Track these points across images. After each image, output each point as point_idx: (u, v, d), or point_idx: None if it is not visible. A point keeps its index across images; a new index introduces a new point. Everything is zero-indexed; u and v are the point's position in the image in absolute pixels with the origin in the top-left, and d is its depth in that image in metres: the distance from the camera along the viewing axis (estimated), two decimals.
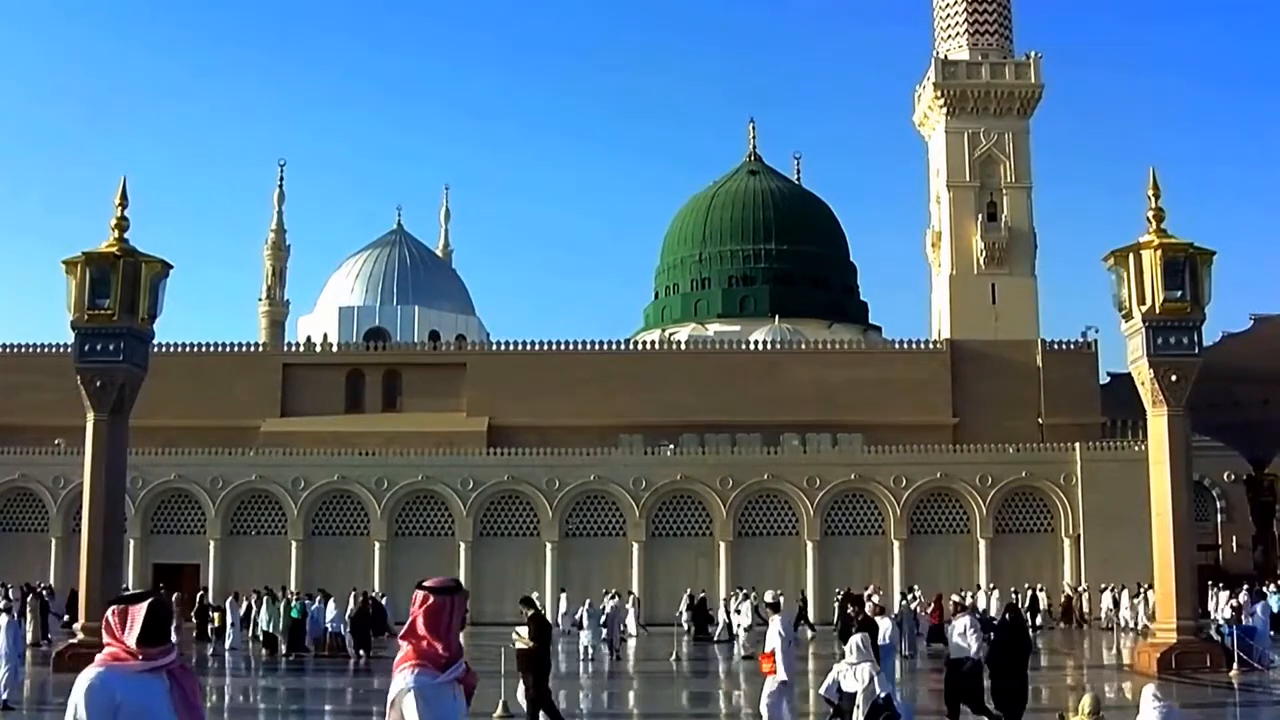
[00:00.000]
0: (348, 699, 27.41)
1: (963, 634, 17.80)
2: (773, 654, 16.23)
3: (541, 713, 17.23)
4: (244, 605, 38.62)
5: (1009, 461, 54.35)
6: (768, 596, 18.42)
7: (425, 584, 5.58)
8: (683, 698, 27.82)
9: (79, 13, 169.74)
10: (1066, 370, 61.83)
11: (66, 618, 39.22)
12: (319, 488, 53.71)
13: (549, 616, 45.07)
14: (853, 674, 15.90)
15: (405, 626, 5.55)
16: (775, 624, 17.07)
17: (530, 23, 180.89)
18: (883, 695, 15.50)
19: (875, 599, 17.72)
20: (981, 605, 42.66)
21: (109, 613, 5.35)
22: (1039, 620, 43.82)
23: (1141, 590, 46.65)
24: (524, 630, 17.53)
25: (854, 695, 15.82)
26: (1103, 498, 51.52)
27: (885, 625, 18.24)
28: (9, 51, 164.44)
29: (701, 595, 46.69)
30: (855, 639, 16.54)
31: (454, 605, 5.52)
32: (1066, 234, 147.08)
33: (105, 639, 5.37)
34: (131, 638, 5.26)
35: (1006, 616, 18.59)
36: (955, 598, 19.06)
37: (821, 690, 16.96)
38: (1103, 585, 50.07)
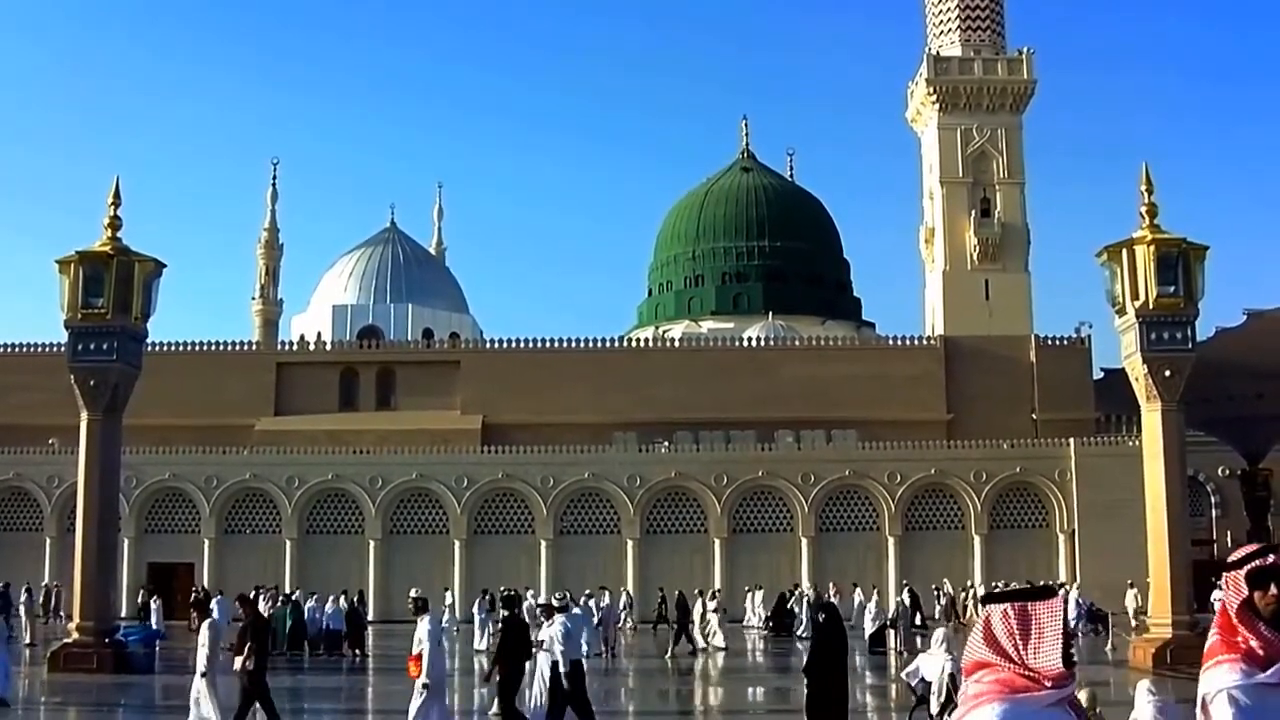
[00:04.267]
0: (341, 697, 27.42)
1: (560, 639, 17.02)
2: (419, 656, 15.70)
3: (258, 704, 16.76)
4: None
5: (1003, 457, 54.38)
6: (413, 592, 17.60)
7: (1231, 558, 4.13)
8: (670, 695, 27.95)
9: (72, 11, 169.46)
10: (1060, 366, 61.92)
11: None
12: (313, 486, 53.65)
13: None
14: (932, 663, 16.28)
15: (1216, 615, 4.13)
16: (423, 625, 16.12)
17: (523, 20, 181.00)
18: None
19: (555, 600, 17.47)
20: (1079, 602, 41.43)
21: (993, 615, 3.73)
22: (917, 620, 37.75)
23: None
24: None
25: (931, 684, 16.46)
26: (1097, 493, 51.52)
27: (556, 624, 17.28)
28: (1, 51, 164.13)
29: (779, 592, 45.87)
30: (939, 630, 16.69)
31: None
32: (1060, 229, 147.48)
33: (990, 656, 3.71)
34: (1052, 656, 3.64)
35: (820, 618, 16.99)
36: (555, 600, 17.98)
37: (903, 674, 17.25)
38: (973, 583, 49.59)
